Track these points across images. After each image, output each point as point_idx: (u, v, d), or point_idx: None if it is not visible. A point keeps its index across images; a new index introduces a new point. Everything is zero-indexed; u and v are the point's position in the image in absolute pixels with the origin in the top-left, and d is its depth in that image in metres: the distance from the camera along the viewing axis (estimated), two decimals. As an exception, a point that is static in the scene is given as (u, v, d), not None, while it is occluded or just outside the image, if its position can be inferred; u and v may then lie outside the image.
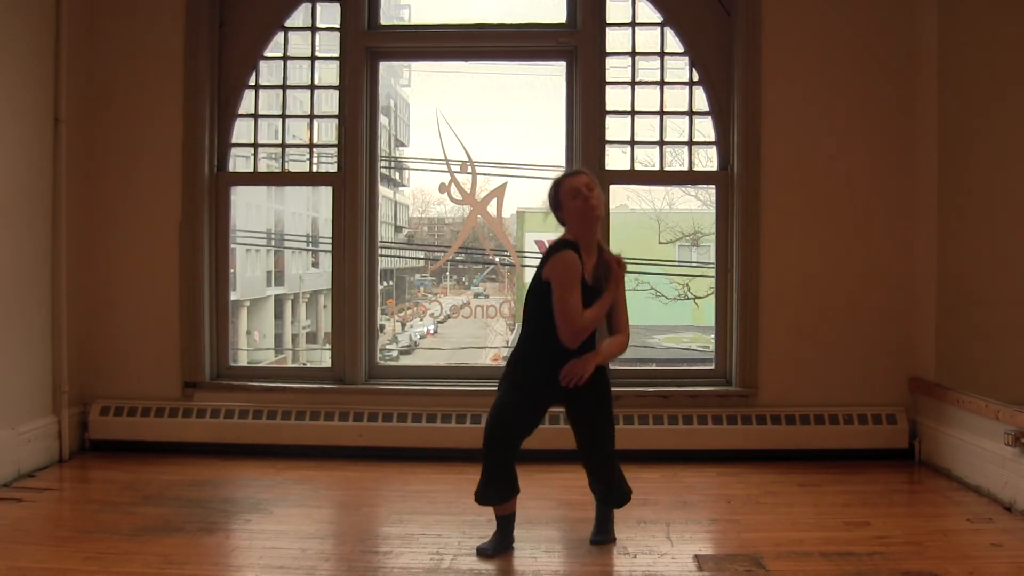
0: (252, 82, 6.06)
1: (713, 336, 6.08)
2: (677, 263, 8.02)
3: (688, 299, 7.92)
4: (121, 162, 5.94)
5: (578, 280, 3.79)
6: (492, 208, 6.37)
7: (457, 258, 7.71)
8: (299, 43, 6.11)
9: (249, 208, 9.26)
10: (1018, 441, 4.53)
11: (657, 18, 5.93)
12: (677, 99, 5.96)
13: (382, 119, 6.38)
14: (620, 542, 4.11)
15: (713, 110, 5.91)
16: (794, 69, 5.78)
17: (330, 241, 6.09)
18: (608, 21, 5.94)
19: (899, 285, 5.76)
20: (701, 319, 7.85)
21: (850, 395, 5.74)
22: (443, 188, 6.37)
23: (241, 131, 6.11)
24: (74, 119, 5.69)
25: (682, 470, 5.44)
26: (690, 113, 5.96)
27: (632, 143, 5.98)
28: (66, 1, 5.56)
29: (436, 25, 6.19)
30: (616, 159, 5.99)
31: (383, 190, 6.62)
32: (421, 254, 9.70)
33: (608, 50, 5.94)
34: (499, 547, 3.94)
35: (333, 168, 6.08)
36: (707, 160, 6.09)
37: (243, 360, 7.94)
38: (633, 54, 5.97)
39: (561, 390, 3.89)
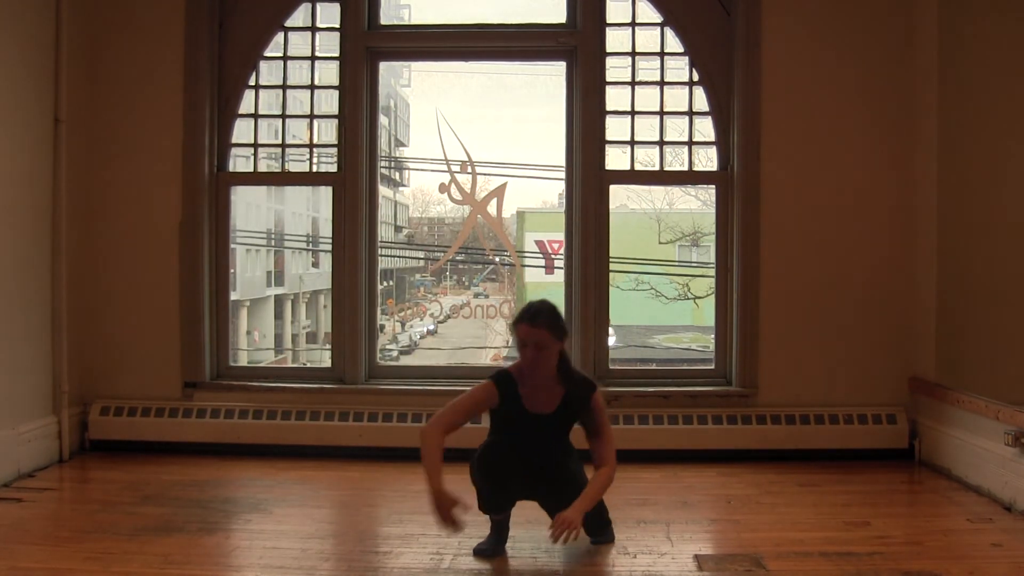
0: (252, 82, 6.06)
1: (713, 336, 6.08)
2: (677, 263, 8.02)
3: (688, 299, 7.92)
4: (121, 162, 5.93)
5: (468, 406, 3.93)
6: (492, 208, 6.37)
7: (457, 258, 7.71)
8: (299, 43, 6.11)
9: (249, 208, 9.26)
10: (1018, 441, 4.53)
11: (657, 18, 5.93)
12: (677, 99, 5.96)
13: (382, 119, 6.38)
14: (620, 542, 4.10)
15: (713, 110, 5.91)
16: (794, 69, 5.78)
17: (330, 241, 6.09)
18: (608, 21, 5.94)
19: (899, 285, 5.76)
20: (701, 319, 7.86)
21: (850, 395, 5.74)
22: (443, 188, 6.37)
23: (241, 131, 6.11)
24: (74, 119, 5.69)
25: (682, 470, 5.43)
26: (690, 113, 5.96)
27: (632, 143, 5.98)
28: (66, 1, 5.56)
29: (436, 25, 6.19)
30: (616, 159, 5.99)
31: (383, 190, 6.62)
32: (421, 254, 9.71)
33: (608, 50, 5.93)
34: (495, 547, 3.94)
35: (333, 168, 6.08)
36: (707, 160, 6.09)
37: (243, 360, 7.95)
38: (633, 54, 5.97)
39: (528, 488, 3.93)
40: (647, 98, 5.97)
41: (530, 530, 4.24)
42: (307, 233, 10.44)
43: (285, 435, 5.76)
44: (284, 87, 6.13)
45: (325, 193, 6.44)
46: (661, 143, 5.98)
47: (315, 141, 6.30)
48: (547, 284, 6.99)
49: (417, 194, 9.39)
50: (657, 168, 6.02)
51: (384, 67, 6.20)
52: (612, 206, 5.98)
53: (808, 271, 5.78)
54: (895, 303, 5.77)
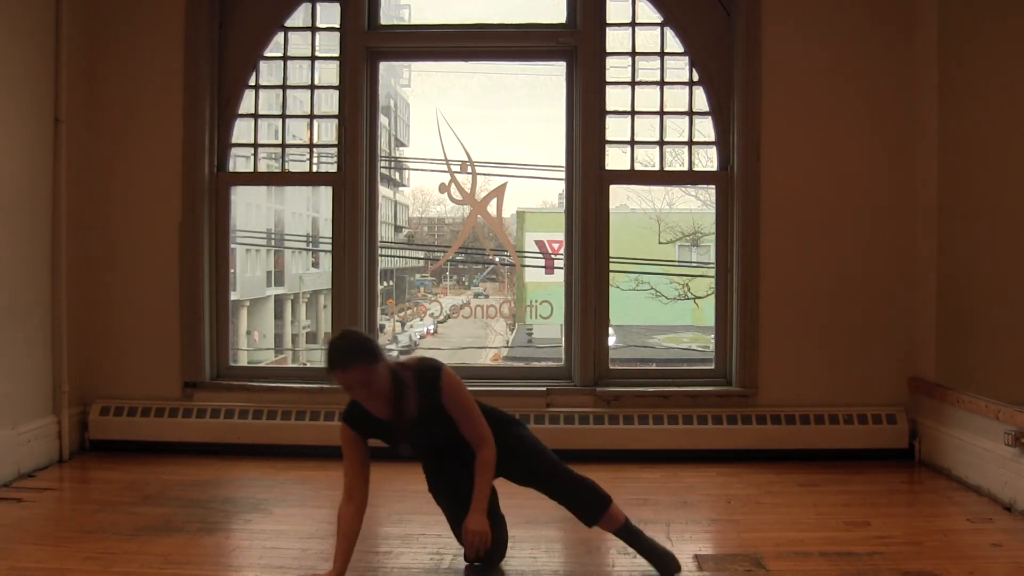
0: (252, 82, 6.06)
1: (713, 336, 6.08)
2: (677, 263, 8.02)
3: (688, 299, 7.92)
4: (121, 162, 5.93)
5: (346, 462, 3.71)
6: (492, 208, 6.37)
7: (457, 258, 7.71)
8: (299, 43, 6.11)
9: (249, 208, 9.26)
10: (1018, 441, 4.53)
11: (657, 18, 5.93)
12: (677, 99, 5.96)
13: (382, 119, 6.38)
14: (620, 542, 4.10)
15: (713, 110, 5.91)
16: (794, 69, 5.78)
17: (330, 241, 6.09)
18: (608, 21, 5.94)
19: (899, 285, 5.76)
20: (701, 319, 7.86)
21: (850, 395, 5.74)
22: (443, 188, 6.37)
23: (241, 131, 6.11)
24: (74, 119, 5.69)
25: (682, 470, 5.43)
26: (690, 113, 5.96)
27: (632, 143, 5.98)
28: (66, 2, 5.56)
29: (436, 25, 6.19)
30: (616, 159, 5.99)
31: (383, 190, 6.63)
32: (421, 254, 9.71)
33: (608, 50, 5.94)
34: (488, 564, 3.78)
35: (333, 168, 6.08)
36: (707, 160, 6.09)
37: (243, 360, 7.95)
38: (633, 54, 5.97)
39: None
40: (647, 98, 5.97)
41: (530, 530, 4.24)
42: (307, 233, 10.44)
43: (285, 435, 5.76)
44: (284, 87, 6.13)
45: (325, 193, 6.44)
46: (661, 143, 5.98)
47: (315, 141, 6.30)
48: (547, 284, 6.98)
49: (417, 194, 9.40)
50: (657, 168, 6.02)
51: (384, 67, 6.20)
52: (612, 206, 5.98)
53: (808, 271, 5.78)
54: (895, 303, 5.77)
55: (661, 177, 6.14)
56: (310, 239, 10.36)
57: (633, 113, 5.96)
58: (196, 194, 5.91)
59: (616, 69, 5.97)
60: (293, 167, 6.21)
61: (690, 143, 5.98)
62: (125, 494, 4.87)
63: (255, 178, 6.41)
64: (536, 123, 7.99)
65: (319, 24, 6.12)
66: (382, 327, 6.72)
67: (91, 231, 5.89)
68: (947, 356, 5.43)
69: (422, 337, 8.87)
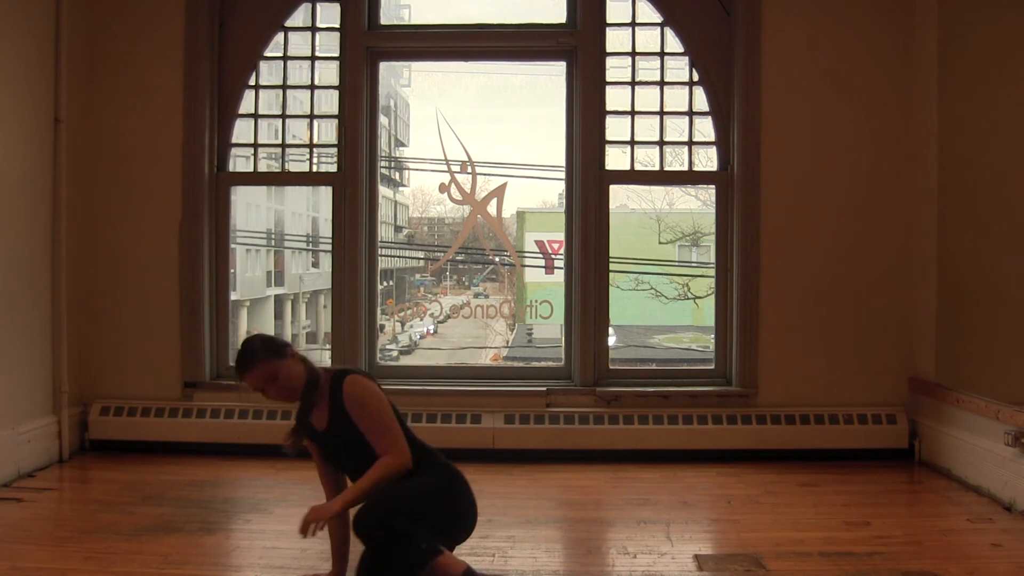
0: (252, 82, 6.06)
1: (713, 336, 6.08)
2: (677, 263, 8.01)
3: (688, 299, 7.91)
4: (121, 162, 5.93)
5: (317, 466, 3.57)
6: (492, 208, 6.37)
7: (457, 258, 7.70)
8: (299, 43, 6.11)
9: (249, 208, 9.25)
10: (1018, 441, 4.53)
11: (657, 18, 5.93)
12: (677, 99, 5.96)
13: (382, 119, 6.38)
14: (620, 542, 4.11)
15: (713, 110, 5.91)
16: (794, 69, 5.78)
17: (330, 241, 6.09)
18: (608, 21, 5.94)
19: (899, 285, 5.76)
20: (701, 319, 7.85)
21: (850, 395, 5.74)
22: (443, 188, 6.37)
23: (241, 131, 6.11)
24: (74, 119, 5.69)
25: (682, 470, 5.43)
26: (690, 113, 5.96)
27: (632, 143, 5.98)
28: (66, 2, 5.56)
29: (436, 25, 6.19)
30: (616, 159, 5.99)
31: (383, 190, 6.62)
32: (421, 254, 9.70)
33: (608, 50, 5.94)
34: None
35: (333, 168, 6.08)
36: (707, 160, 6.09)
37: (243, 360, 7.93)
38: (633, 54, 5.97)
39: None
40: (647, 98, 5.97)
41: (530, 530, 4.24)
42: (307, 233, 10.43)
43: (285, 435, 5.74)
44: (284, 87, 6.13)
45: (325, 193, 6.44)
46: (661, 143, 5.98)
47: (315, 141, 6.30)
48: (547, 284, 6.98)
49: (417, 194, 9.39)
50: (657, 168, 6.02)
51: (384, 67, 6.20)
52: (612, 206, 5.98)
53: (808, 271, 5.78)
54: (895, 303, 5.77)
55: (661, 177, 6.14)
56: (310, 239, 10.36)
57: (633, 113, 5.97)
58: (196, 194, 5.91)
59: (616, 69, 5.97)
60: (293, 167, 6.21)
61: (690, 143, 5.98)
62: (125, 494, 4.87)
63: (255, 178, 6.41)
64: (536, 123, 7.98)
65: (319, 24, 6.13)
66: (382, 327, 6.72)
67: (91, 231, 5.89)
68: (947, 356, 5.43)
69: (422, 337, 8.87)
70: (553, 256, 6.97)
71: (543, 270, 7.20)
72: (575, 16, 5.94)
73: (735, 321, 5.85)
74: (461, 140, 6.31)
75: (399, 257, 9.44)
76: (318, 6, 6.11)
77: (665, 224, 7.77)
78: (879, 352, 5.77)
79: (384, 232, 7.82)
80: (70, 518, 4.61)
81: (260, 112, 6.11)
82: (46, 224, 5.53)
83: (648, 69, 5.99)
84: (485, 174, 6.38)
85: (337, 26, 6.01)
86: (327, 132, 6.43)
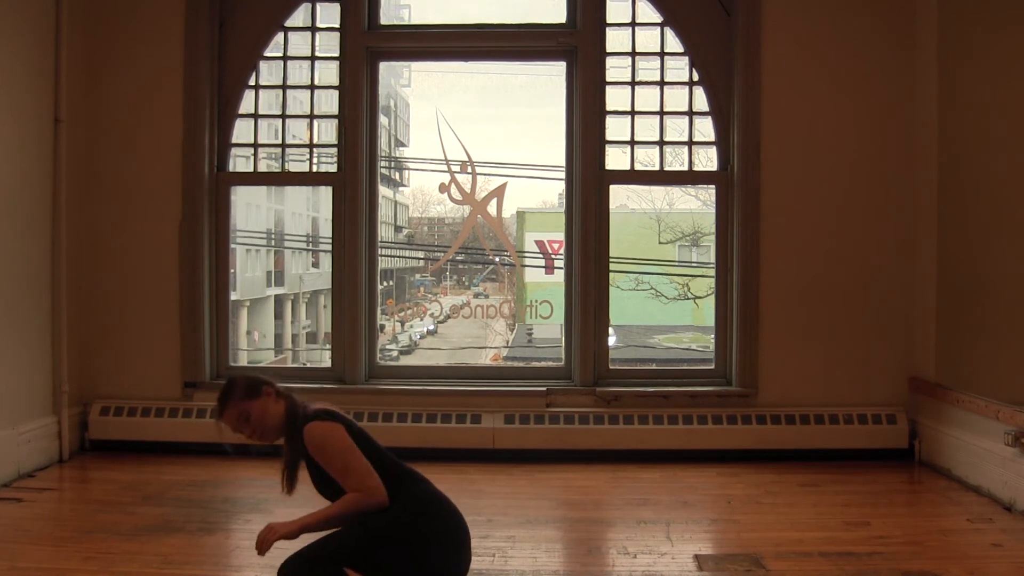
0: (252, 82, 6.06)
1: (713, 336, 6.08)
2: (677, 263, 8.01)
3: (688, 299, 7.91)
4: (121, 162, 5.94)
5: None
6: (492, 208, 6.37)
7: (457, 258, 7.70)
8: (299, 43, 6.11)
9: (249, 208, 9.25)
10: (1018, 441, 4.53)
11: (657, 18, 5.93)
12: (677, 99, 5.96)
13: (382, 119, 6.38)
14: (620, 542, 4.11)
15: (713, 110, 5.91)
16: (794, 69, 5.78)
17: (330, 241, 6.10)
18: (608, 21, 5.94)
19: (899, 285, 5.76)
20: (701, 319, 7.85)
21: (850, 395, 5.74)
22: (443, 188, 6.37)
23: (241, 131, 6.11)
24: (74, 119, 5.69)
25: (682, 470, 5.43)
26: (690, 113, 5.96)
27: (632, 143, 5.98)
28: (66, 2, 5.56)
29: (436, 25, 6.19)
30: (616, 159, 5.99)
31: (383, 190, 6.62)
32: (421, 254, 9.69)
33: (608, 50, 5.94)
34: None
35: (333, 168, 6.08)
36: (707, 160, 6.09)
37: (243, 360, 7.94)
38: (633, 54, 5.97)
39: None
40: (647, 98, 5.97)
41: (530, 530, 4.24)
42: (307, 233, 10.43)
43: (285, 435, 5.75)
44: (284, 87, 6.13)
45: (325, 193, 6.44)
46: (661, 143, 5.98)
47: (315, 141, 6.30)
48: (547, 284, 6.98)
49: (417, 194, 9.38)
50: (657, 168, 6.02)
51: (384, 67, 6.20)
52: (612, 206, 5.98)
53: (808, 271, 5.78)
54: (895, 303, 5.77)
55: (661, 177, 6.14)
56: (310, 239, 10.35)
57: (633, 113, 5.97)
58: (196, 194, 5.91)
59: (616, 69, 5.97)
60: (293, 167, 6.21)
61: (690, 143, 5.98)
62: (125, 494, 4.87)
63: (255, 178, 6.41)
64: (536, 123, 7.98)
65: (319, 24, 6.13)
66: (382, 327, 6.72)
67: (91, 231, 5.89)
68: (947, 356, 5.43)
69: (422, 337, 8.87)
70: (553, 256, 6.97)
71: (543, 270, 7.21)
72: (575, 16, 5.94)
73: (735, 321, 5.85)
74: (461, 140, 6.32)
75: (399, 257, 9.44)
76: (318, 6, 6.11)
77: (665, 224, 7.77)
78: (879, 352, 5.77)
79: (384, 232, 7.82)
80: (70, 518, 4.61)
81: (260, 112, 6.11)
82: (46, 224, 5.53)
83: (648, 69, 5.99)
84: (485, 174, 6.38)
85: (337, 26, 6.01)
86: (327, 132, 6.43)
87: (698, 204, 7.56)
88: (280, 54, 6.09)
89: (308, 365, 9.53)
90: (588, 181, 5.89)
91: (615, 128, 5.97)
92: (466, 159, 6.31)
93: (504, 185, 6.39)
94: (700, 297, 7.73)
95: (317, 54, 6.09)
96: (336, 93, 6.03)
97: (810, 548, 3.99)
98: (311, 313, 10.24)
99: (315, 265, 10.28)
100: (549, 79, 6.46)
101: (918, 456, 5.60)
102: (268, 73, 6.22)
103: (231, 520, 4.46)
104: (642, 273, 7.61)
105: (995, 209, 5.42)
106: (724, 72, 5.88)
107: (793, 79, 5.78)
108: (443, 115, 6.33)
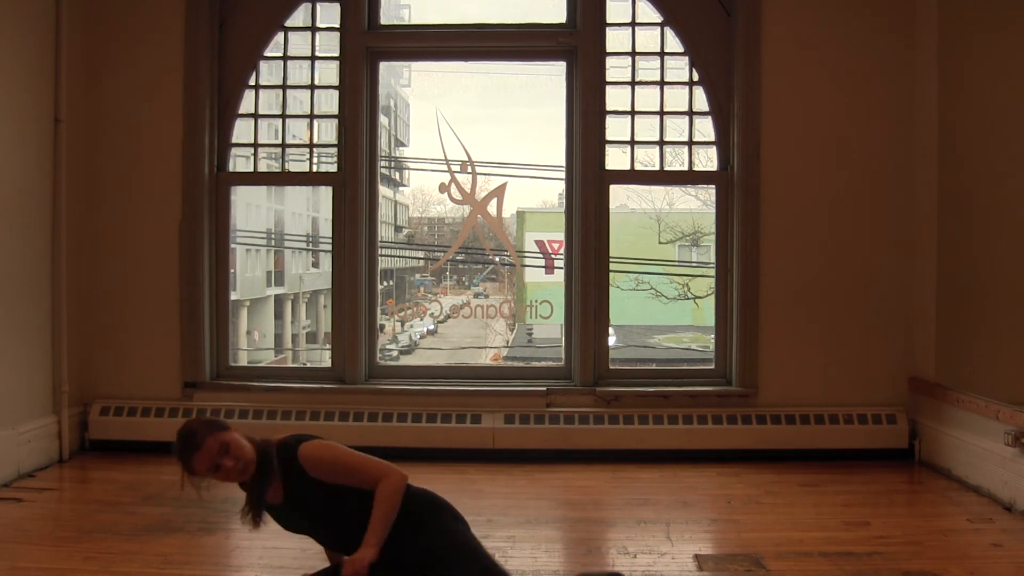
0: (252, 82, 6.06)
1: (713, 336, 6.08)
2: (677, 263, 8.01)
3: (688, 299, 7.91)
4: (121, 162, 5.94)
5: None
6: (492, 208, 6.37)
7: (457, 258, 7.70)
8: (299, 43, 6.11)
9: (249, 208, 9.25)
10: (1018, 441, 4.53)
11: (657, 18, 5.93)
12: (677, 99, 5.96)
13: (382, 119, 6.38)
14: (620, 542, 4.11)
15: (713, 110, 5.91)
16: (794, 69, 5.78)
17: (330, 241, 6.10)
18: (608, 21, 5.94)
19: (899, 285, 5.76)
20: (701, 319, 7.85)
21: (850, 395, 5.74)
22: (443, 188, 6.37)
23: (241, 131, 6.11)
24: (74, 119, 5.69)
25: (682, 470, 5.43)
26: (690, 113, 5.96)
27: (632, 143, 5.98)
28: (66, 2, 5.56)
29: (436, 25, 6.19)
30: (616, 159, 5.99)
31: (383, 190, 6.62)
32: (421, 254, 9.70)
33: (608, 50, 5.94)
34: None
35: (333, 168, 6.08)
36: (707, 160, 6.09)
37: (243, 360, 7.94)
38: (633, 54, 5.97)
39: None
40: (647, 98, 5.97)
41: (530, 530, 4.24)
42: (307, 233, 10.43)
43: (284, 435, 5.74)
44: (284, 87, 6.13)
45: (325, 193, 6.44)
46: (661, 143, 5.98)
47: (315, 141, 6.30)
48: (547, 284, 6.98)
49: (417, 194, 9.38)
50: (657, 168, 6.02)
51: (384, 67, 6.20)
52: (612, 206, 5.98)
53: (808, 271, 5.78)
54: (895, 303, 5.77)
55: (661, 177, 6.14)
56: (310, 239, 10.35)
57: (633, 113, 5.96)
58: (196, 194, 5.91)
59: (616, 69, 5.97)
60: (293, 167, 6.21)
61: (690, 143, 5.98)
62: (125, 494, 4.87)
63: (255, 178, 6.41)
64: (536, 123, 7.98)
65: (319, 24, 6.12)
66: (382, 327, 6.72)
67: (91, 231, 5.89)
68: (947, 356, 5.43)
69: (422, 337, 8.87)
70: (553, 256, 6.97)
71: (543, 270, 7.21)
72: (575, 16, 5.94)
73: (735, 321, 5.85)
74: (461, 140, 6.32)
75: (399, 257, 9.44)
76: (318, 6, 6.11)
77: (665, 224, 7.77)
78: (879, 352, 5.77)
79: (384, 232, 7.82)
80: (70, 518, 4.61)
81: (260, 112, 6.11)
82: (46, 224, 5.53)
83: (648, 69, 5.98)
84: (485, 174, 6.38)
85: (337, 26, 6.01)
86: (327, 132, 6.43)
87: (698, 204, 7.56)
88: (280, 54, 6.09)
89: (308, 365, 9.53)
90: (588, 181, 5.89)
91: (615, 128, 5.97)
92: (466, 159, 6.31)
93: (504, 185, 6.39)
94: (700, 297, 7.73)
95: (317, 54, 6.08)
96: (336, 93, 6.03)
97: (810, 548, 3.99)
98: (311, 313, 10.24)
99: (315, 265, 10.28)
100: (549, 79, 6.47)
101: (918, 456, 5.60)
102: (268, 73, 6.21)
103: (231, 520, 4.46)
104: (642, 273, 7.61)
105: (995, 209, 5.41)
106: (724, 72, 5.88)
107: (793, 79, 5.78)
108: (443, 115, 6.33)
